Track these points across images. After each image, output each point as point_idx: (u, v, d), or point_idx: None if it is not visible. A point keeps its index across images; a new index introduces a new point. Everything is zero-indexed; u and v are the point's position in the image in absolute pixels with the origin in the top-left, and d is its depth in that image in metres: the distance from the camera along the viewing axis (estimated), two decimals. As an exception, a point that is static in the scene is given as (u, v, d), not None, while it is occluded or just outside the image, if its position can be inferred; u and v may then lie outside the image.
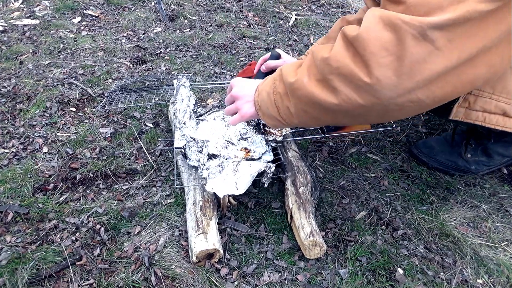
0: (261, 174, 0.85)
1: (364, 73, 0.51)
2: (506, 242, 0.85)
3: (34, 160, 1.08)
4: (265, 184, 0.83)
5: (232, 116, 0.80)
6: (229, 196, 0.90)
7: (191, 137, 0.90)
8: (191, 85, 1.12)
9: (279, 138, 0.99)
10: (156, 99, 1.34)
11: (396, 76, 0.49)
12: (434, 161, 1.04)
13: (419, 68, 0.49)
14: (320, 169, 1.07)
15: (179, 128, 0.94)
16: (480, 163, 1.02)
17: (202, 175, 0.86)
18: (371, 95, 0.52)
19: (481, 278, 0.78)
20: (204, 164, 0.89)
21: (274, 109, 0.69)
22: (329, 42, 0.90)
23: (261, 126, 1.00)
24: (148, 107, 1.31)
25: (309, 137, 1.08)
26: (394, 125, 1.12)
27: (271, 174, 0.81)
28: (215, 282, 0.76)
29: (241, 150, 0.94)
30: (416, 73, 0.49)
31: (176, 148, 0.92)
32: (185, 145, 0.90)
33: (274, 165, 0.82)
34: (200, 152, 0.91)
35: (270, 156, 0.94)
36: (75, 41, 1.76)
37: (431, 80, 0.50)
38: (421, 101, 0.52)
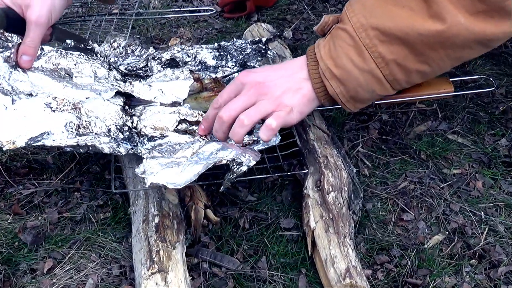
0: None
1: None
2: None
3: None
4: (221, 189, 0.86)
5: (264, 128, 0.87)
6: (194, 203, 0.91)
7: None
8: (140, 14, 1.11)
9: None
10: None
11: None
12: None
13: None
14: (365, 161, 1.08)
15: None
16: None
17: (140, 152, 0.90)
18: None
19: None
20: (137, 134, 0.93)
21: (381, 86, 0.86)
22: None
23: None
24: (67, 53, 1.30)
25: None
26: (496, 85, 1.12)
27: (234, 176, 0.82)
28: None
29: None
30: None
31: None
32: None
33: (249, 162, 0.82)
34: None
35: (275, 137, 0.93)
36: None
37: None
38: None
